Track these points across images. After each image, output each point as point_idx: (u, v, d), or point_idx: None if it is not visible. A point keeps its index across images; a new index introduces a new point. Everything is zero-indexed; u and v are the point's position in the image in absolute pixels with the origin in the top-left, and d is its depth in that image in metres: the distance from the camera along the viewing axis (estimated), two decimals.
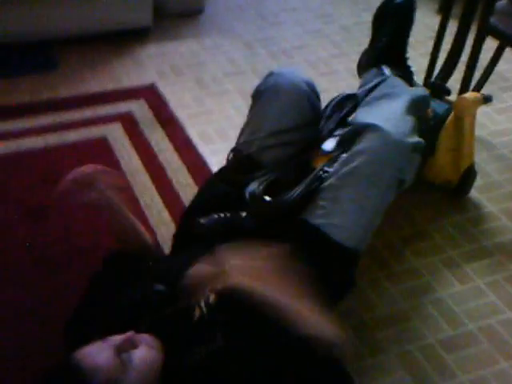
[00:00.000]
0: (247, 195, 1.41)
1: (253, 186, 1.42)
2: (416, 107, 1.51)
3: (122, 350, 1.04)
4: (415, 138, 1.42)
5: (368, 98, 1.59)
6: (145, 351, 1.07)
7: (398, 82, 1.67)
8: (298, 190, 1.41)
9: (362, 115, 1.51)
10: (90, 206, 1.37)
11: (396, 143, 1.36)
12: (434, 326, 1.62)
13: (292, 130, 1.56)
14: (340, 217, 1.37)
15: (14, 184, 1.96)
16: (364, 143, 1.38)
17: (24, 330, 1.54)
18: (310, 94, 1.60)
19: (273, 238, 1.36)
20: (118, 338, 1.06)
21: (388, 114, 1.46)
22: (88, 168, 1.38)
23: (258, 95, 1.61)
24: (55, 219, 1.84)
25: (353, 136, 1.42)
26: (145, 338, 1.10)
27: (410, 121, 1.45)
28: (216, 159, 2.07)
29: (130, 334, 1.08)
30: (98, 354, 1.03)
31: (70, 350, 1.19)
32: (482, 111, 2.26)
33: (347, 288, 1.43)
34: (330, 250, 1.36)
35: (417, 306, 1.67)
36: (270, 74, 1.62)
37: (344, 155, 1.42)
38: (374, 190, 1.37)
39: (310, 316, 1.12)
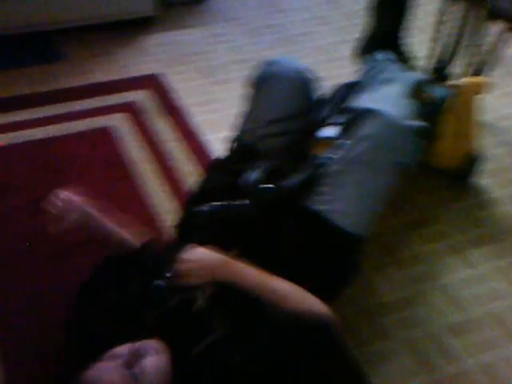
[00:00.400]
0: (247, 183, 1.41)
1: (253, 175, 1.42)
2: (414, 91, 1.50)
3: (131, 364, 1.04)
4: (417, 122, 1.41)
5: (367, 84, 1.58)
6: (153, 359, 1.07)
7: (395, 67, 1.66)
8: (298, 177, 1.41)
9: (363, 100, 1.50)
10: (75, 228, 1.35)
11: (397, 127, 1.36)
12: (439, 311, 1.62)
13: (289, 118, 1.55)
14: (342, 202, 1.37)
15: (16, 174, 1.97)
16: (366, 129, 1.38)
17: (23, 317, 1.56)
18: (306, 82, 1.60)
19: (274, 225, 1.37)
20: (124, 353, 1.05)
21: (387, 98, 1.47)
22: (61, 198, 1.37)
23: (256, 85, 1.62)
24: None
25: (353, 121, 1.42)
26: (150, 344, 1.09)
27: (409, 104, 1.45)
28: (220, 148, 2.06)
29: (135, 345, 1.07)
30: (111, 375, 1.02)
31: (71, 349, 1.20)
32: (488, 95, 2.24)
33: (350, 274, 1.43)
34: (333, 236, 1.36)
35: (422, 292, 1.67)
36: (267, 63, 1.62)
37: (347, 142, 1.42)
38: (377, 176, 1.37)
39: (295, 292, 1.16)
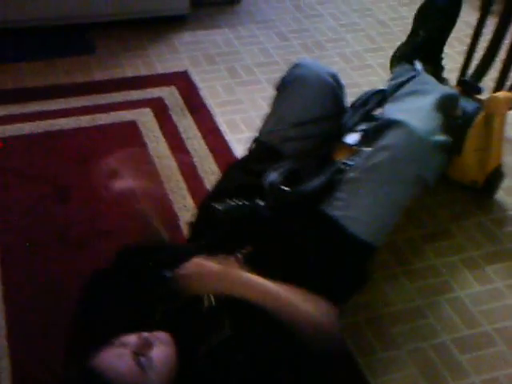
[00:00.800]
0: (266, 184, 1.42)
1: (272, 176, 1.43)
2: (445, 105, 1.49)
3: (139, 353, 1.05)
4: (441, 137, 1.40)
5: (397, 94, 1.57)
6: (161, 351, 1.08)
7: (429, 79, 1.65)
8: (317, 181, 1.42)
9: (390, 110, 1.50)
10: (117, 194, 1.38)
11: (420, 140, 1.35)
12: (449, 324, 1.61)
13: (315, 121, 1.56)
14: (358, 210, 1.37)
15: (44, 163, 2.01)
16: (388, 139, 1.38)
17: (45, 304, 1.59)
18: (334, 86, 1.60)
19: (288, 225, 1.38)
20: (133, 341, 1.06)
21: (415, 110, 1.45)
22: (114, 159, 1.39)
23: (283, 86, 1.62)
24: (82, 200, 1.89)
25: (377, 130, 1.42)
26: (159, 336, 1.11)
27: (437, 118, 1.44)
28: (242, 148, 2.08)
29: (144, 334, 1.09)
30: (118, 361, 1.03)
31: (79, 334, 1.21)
32: None
33: (360, 282, 1.44)
34: (345, 242, 1.36)
35: (433, 304, 1.66)
36: (296, 66, 1.63)
37: (367, 150, 1.41)
38: (395, 187, 1.37)
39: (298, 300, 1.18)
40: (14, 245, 1.74)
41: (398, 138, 1.36)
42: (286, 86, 1.62)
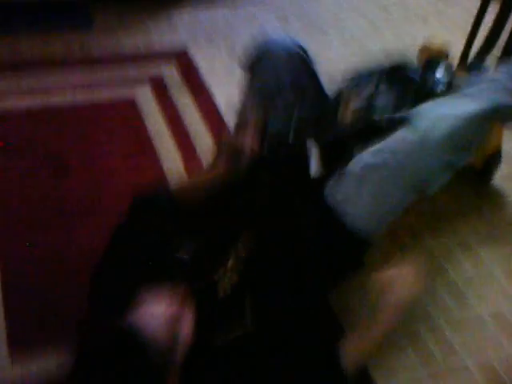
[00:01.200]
0: (272, 132, 1.39)
1: (279, 124, 1.41)
2: (493, 117, 1.43)
3: (175, 320, 1.06)
4: (453, 157, 1.37)
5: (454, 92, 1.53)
6: (188, 324, 1.09)
7: (487, 83, 1.52)
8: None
9: (423, 109, 1.44)
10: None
11: (431, 156, 1.34)
12: (443, 307, 1.62)
13: (289, 90, 1.53)
14: (357, 208, 1.36)
15: (41, 138, 2.00)
16: (401, 141, 1.36)
17: (42, 278, 1.59)
18: (302, 54, 1.58)
19: (287, 205, 1.37)
20: (166, 309, 1.06)
21: (447, 117, 1.39)
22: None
23: (252, 65, 1.58)
24: (81, 176, 1.88)
25: (399, 122, 1.41)
26: (187, 311, 1.11)
27: (468, 132, 1.39)
28: None
29: (175, 306, 1.08)
30: (154, 324, 1.03)
31: (95, 303, 1.21)
32: None
33: (355, 269, 1.44)
34: (344, 236, 1.37)
35: (429, 287, 1.66)
36: (261, 42, 1.59)
37: (376, 146, 1.39)
38: (395, 191, 1.37)
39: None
40: (12, 220, 1.73)
41: (409, 144, 1.35)
42: (255, 64, 1.58)
